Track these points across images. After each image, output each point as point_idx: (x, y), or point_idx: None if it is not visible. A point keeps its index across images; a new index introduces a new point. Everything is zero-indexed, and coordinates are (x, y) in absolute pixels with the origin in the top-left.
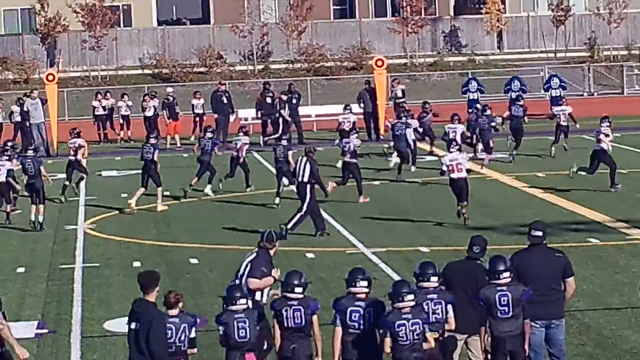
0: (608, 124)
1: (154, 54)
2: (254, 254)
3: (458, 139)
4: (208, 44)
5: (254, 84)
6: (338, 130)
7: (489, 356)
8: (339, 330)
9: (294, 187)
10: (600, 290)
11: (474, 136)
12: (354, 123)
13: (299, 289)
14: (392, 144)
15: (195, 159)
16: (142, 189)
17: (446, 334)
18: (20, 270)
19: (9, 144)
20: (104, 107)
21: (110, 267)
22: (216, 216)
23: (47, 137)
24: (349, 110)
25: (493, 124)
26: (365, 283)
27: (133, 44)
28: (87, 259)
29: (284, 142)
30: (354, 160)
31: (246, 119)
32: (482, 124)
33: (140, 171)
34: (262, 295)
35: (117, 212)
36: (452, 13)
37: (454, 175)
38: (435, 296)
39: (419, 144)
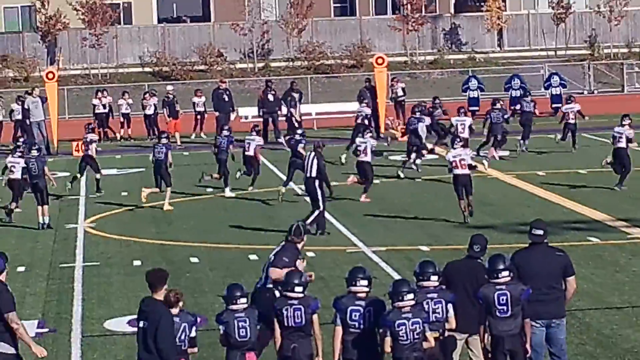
0: (629, 121)
1: (154, 51)
2: (280, 247)
3: (466, 131)
4: (208, 42)
5: (254, 82)
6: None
7: (489, 355)
8: (339, 329)
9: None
10: (601, 289)
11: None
12: (367, 116)
13: (299, 288)
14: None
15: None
16: (157, 189)
17: (447, 334)
18: (21, 269)
19: (21, 140)
20: (104, 105)
21: (111, 265)
22: (216, 215)
23: (47, 135)
24: (365, 104)
25: (506, 116)
26: (365, 282)
27: (133, 42)
28: (87, 257)
29: (297, 137)
30: (368, 160)
31: (246, 117)
32: (494, 118)
33: (140, 170)
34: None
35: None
36: (452, 11)
37: (457, 172)
38: (435, 295)
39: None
